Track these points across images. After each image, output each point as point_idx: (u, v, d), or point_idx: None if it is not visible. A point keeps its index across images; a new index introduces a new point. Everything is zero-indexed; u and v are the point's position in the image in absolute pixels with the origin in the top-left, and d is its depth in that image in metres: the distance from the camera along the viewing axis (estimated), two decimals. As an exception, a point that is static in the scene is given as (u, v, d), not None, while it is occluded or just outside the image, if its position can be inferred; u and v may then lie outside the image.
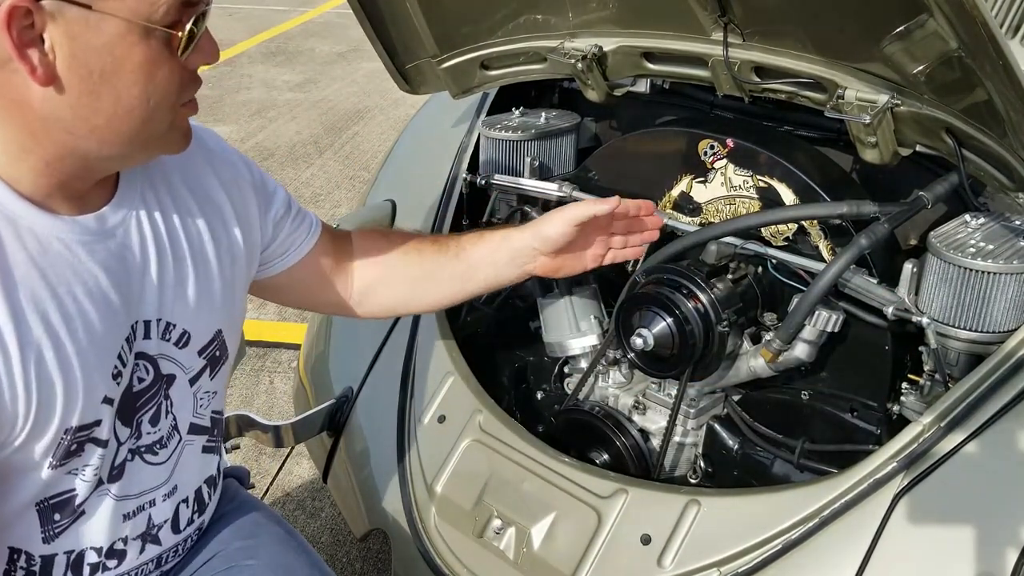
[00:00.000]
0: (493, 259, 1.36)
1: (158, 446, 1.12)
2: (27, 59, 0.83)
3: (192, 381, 1.14)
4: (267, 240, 1.25)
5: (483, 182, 1.87)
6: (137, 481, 1.11)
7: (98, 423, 1.00)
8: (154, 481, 1.13)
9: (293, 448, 2.18)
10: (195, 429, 1.17)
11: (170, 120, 0.94)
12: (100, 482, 1.06)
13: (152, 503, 1.14)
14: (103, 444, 1.02)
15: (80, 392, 0.96)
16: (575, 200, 1.74)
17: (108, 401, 1.01)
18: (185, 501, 1.20)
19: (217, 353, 1.16)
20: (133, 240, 1.03)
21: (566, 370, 1.80)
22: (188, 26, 0.87)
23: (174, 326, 1.09)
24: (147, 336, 1.06)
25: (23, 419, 0.93)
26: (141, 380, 1.07)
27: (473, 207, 1.92)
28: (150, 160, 1.04)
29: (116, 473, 1.07)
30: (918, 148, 1.34)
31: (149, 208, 1.06)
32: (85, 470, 1.03)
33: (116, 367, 1.01)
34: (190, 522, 1.22)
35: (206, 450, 1.21)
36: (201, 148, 1.16)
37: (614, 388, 1.68)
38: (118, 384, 1.02)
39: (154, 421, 1.10)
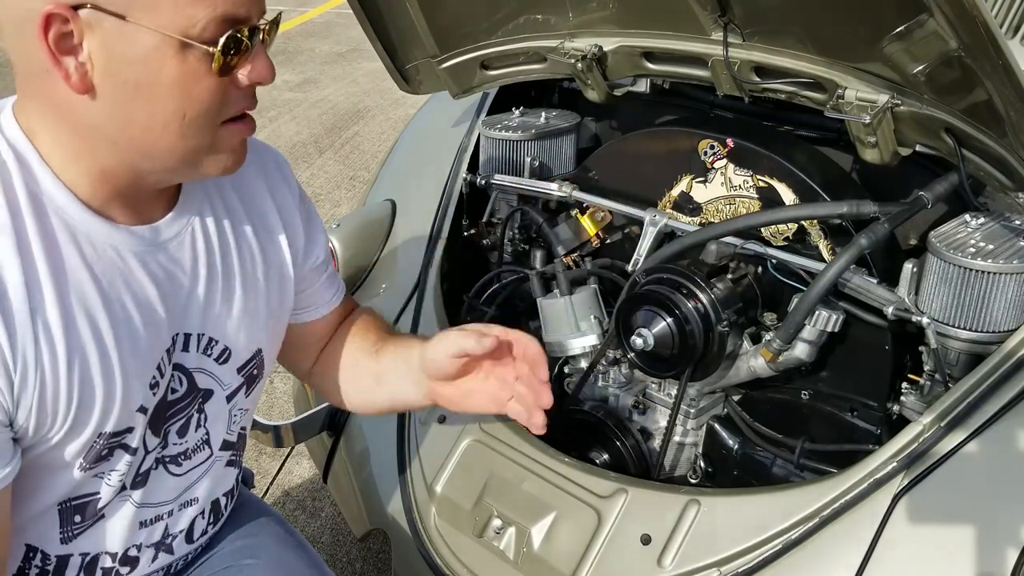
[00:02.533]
0: (397, 368, 1.23)
1: (182, 457, 1.11)
2: (62, 66, 0.83)
3: (229, 398, 1.13)
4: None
5: (483, 182, 1.87)
6: (158, 490, 1.11)
7: (130, 430, 1.01)
8: (173, 492, 1.13)
9: (293, 448, 2.18)
10: (226, 446, 1.17)
11: (211, 137, 0.91)
12: (123, 487, 1.06)
13: (170, 513, 1.14)
14: (132, 452, 1.03)
15: (118, 399, 0.97)
16: (575, 200, 1.75)
17: (142, 410, 1.01)
18: (202, 513, 1.20)
19: (255, 372, 1.16)
20: (185, 255, 1.03)
21: (566, 370, 1.79)
22: (223, 41, 0.85)
23: (216, 342, 1.08)
24: (186, 349, 1.06)
25: (62, 418, 0.94)
26: (175, 391, 1.07)
27: (473, 207, 1.92)
28: (202, 177, 1.00)
29: (140, 480, 1.08)
30: (918, 148, 1.34)
31: (205, 224, 1.06)
32: (111, 475, 1.03)
33: (155, 377, 1.01)
34: (204, 532, 1.22)
35: (229, 464, 1.21)
36: (264, 169, 1.15)
37: (614, 388, 1.68)
38: (154, 394, 1.02)
39: (182, 432, 1.10)
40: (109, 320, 0.95)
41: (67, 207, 0.92)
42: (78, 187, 0.93)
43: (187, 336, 1.06)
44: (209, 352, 1.08)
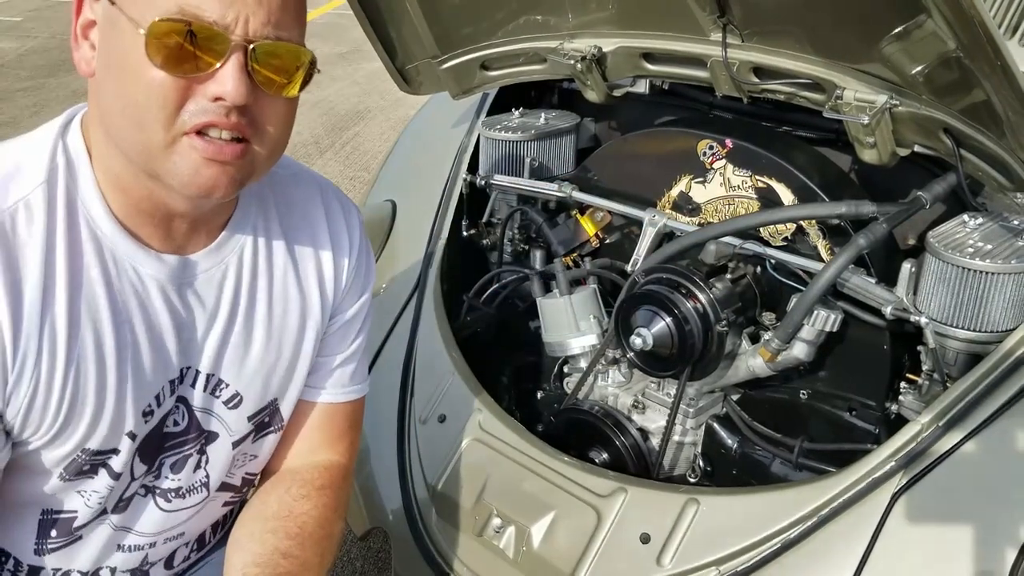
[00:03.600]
0: None
1: (173, 494, 1.09)
2: (79, 48, 0.91)
3: (236, 444, 1.11)
4: None
5: (483, 182, 1.87)
6: (142, 520, 1.09)
7: (115, 452, 1.00)
8: (162, 526, 1.11)
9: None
10: (225, 487, 1.16)
11: (164, 137, 0.86)
12: (104, 511, 1.05)
13: (152, 545, 1.12)
14: (116, 476, 1.02)
15: (107, 419, 0.96)
16: (575, 200, 1.75)
17: (131, 436, 1.00)
18: (186, 543, 1.18)
19: (267, 420, 1.13)
20: (211, 292, 1.02)
21: (566, 369, 1.80)
22: (149, 25, 0.82)
23: (226, 385, 1.07)
24: (193, 385, 1.05)
25: (48, 426, 0.94)
26: (176, 424, 1.05)
27: (473, 207, 1.93)
28: (171, 193, 0.92)
29: (122, 505, 1.06)
30: (916, 148, 1.35)
31: (241, 265, 1.04)
32: (92, 496, 1.02)
33: (150, 405, 1.01)
34: (186, 559, 1.20)
35: (227, 504, 1.19)
36: (331, 217, 1.13)
37: (613, 387, 1.68)
38: (146, 422, 1.01)
39: (176, 468, 1.08)
40: (115, 339, 0.94)
41: (99, 219, 0.93)
42: (111, 196, 0.94)
43: (196, 373, 1.04)
44: (217, 394, 1.07)
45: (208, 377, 1.05)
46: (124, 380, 0.96)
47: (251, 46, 0.85)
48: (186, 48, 0.83)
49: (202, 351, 1.04)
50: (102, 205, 0.93)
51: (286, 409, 1.15)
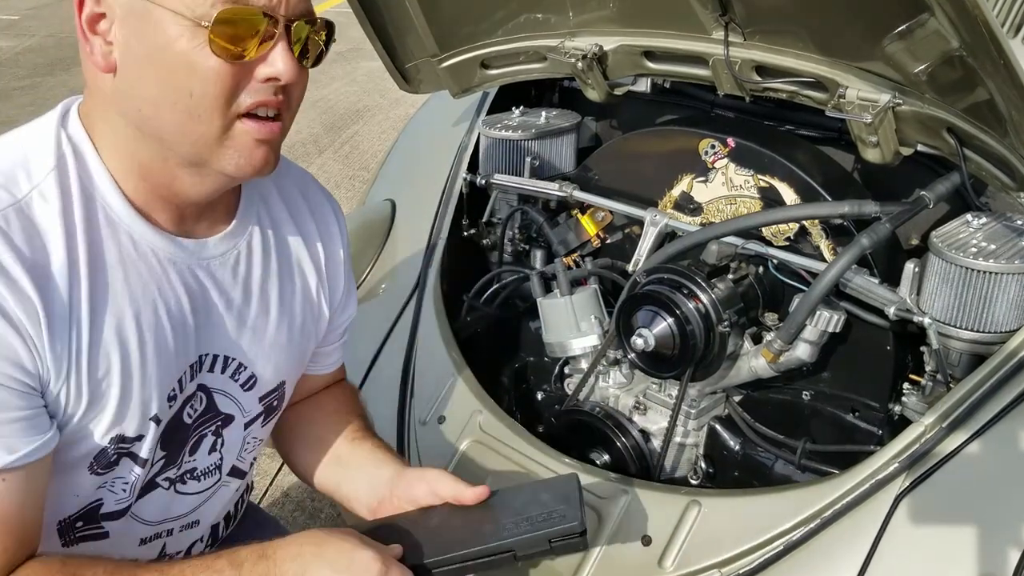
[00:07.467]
0: (364, 467, 1.19)
1: (189, 476, 1.11)
2: (89, 42, 0.90)
3: (247, 425, 1.13)
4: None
5: (483, 182, 1.87)
6: (161, 507, 1.10)
7: (140, 438, 1.00)
8: (178, 510, 1.12)
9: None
10: (235, 472, 1.17)
11: (221, 125, 0.90)
12: (128, 505, 1.05)
13: (169, 532, 1.13)
14: (142, 463, 1.02)
15: (135, 402, 0.97)
16: (575, 200, 1.74)
17: (156, 420, 1.00)
18: (201, 538, 1.19)
19: (275, 403, 1.16)
20: (226, 276, 1.04)
21: (566, 370, 1.79)
22: (214, 16, 0.85)
23: (244, 368, 1.09)
24: (212, 370, 1.06)
25: (78, 406, 0.93)
26: (195, 410, 1.07)
27: (473, 207, 1.92)
28: (219, 176, 0.96)
29: (140, 495, 1.07)
30: (919, 147, 1.34)
31: (252, 250, 1.07)
32: (115, 483, 1.02)
33: (174, 390, 1.01)
34: (201, 554, 1.20)
35: (236, 490, 1.21)
36: (318, 213, 1.17)
37: (615, 388, 1.68)
38: (170, 407, 1.02)
39: (193, 450, 1.09)
40: (135, 321, 0.95)
41: (114, 204, 0.94)
42: (125, 183, 0.95)
43: (215, 357, 1.06)
44: (236, 377, 1.09)
45: (227, 360, 1.07)
46: (147, 361, 0.97)
47: (293, 24, 0.90)
48: (243, 35, 0.87)
49: (220, 335, 1.05)
50: (116, 191, 0.95)
51: (288, 391, 1.19)
